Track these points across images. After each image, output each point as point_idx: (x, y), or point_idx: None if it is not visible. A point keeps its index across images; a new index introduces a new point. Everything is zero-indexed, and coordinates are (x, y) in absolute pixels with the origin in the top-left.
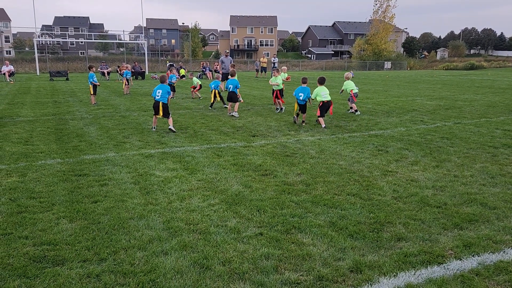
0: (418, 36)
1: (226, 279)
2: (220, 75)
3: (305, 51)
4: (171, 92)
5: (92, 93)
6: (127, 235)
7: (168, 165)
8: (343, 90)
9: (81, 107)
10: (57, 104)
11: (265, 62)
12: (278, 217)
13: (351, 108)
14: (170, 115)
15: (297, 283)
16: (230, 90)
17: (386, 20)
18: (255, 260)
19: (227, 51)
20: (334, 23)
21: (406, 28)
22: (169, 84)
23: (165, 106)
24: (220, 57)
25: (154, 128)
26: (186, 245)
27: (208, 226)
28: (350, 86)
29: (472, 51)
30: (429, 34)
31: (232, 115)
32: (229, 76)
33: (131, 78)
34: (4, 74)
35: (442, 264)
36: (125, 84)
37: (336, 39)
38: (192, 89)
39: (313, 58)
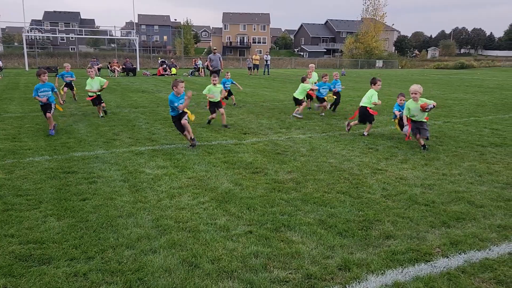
0: (409, 35)
1: (215, 277)
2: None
3: (297, 49)
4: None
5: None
6: (115, 233)
7: (158, 163)
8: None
9: (70, 104)
10: None
11: (257, 60)
12: (268, 215)
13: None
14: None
15: (285, 281)
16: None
17: (377, 19)
18: (244, 258)
19: (215, 48)
20: (327, 21)
21: (393, 24)
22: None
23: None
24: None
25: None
26: (175, 243)
27: (198, 224)
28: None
29: (462, 51)
30: (421, 33)
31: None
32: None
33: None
34: None
35: (429, 262)
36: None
37: (328, 37)
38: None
39: (306, 56)
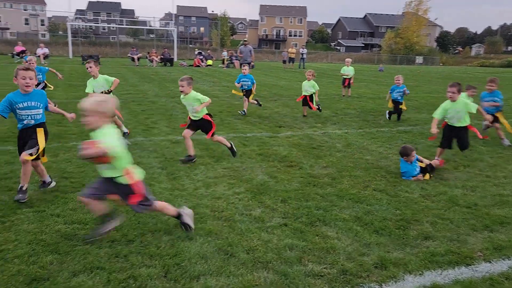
0: (452, 31)
1: (250, 267)
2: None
3: (334, 43)
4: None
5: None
6: (154, 218)
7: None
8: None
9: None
10: None
11: (293, 53)
12: (303, 209)
13: None
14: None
15: (320, 276)
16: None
17: (419, 13)
18: (279, 250)
19: (246, 39)
20: (366, 15)
21: (436, 19)
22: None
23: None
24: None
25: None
26: (211, 232)
27: (233, 214)
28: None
29: (510, 48)
30: (465, 29)
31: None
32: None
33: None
34: (39, 56)
35: (470, 265)
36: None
37: (366, 32)
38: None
39: (342, 50)
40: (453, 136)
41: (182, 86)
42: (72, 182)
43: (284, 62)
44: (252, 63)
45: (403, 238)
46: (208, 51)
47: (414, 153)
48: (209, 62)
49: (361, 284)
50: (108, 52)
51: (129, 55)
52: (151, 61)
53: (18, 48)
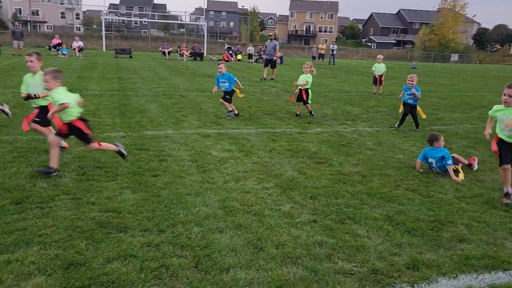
0: (491, 28)
1: (279, 262)
2: None
3: (365, 39)
4: None
5: None
6: (184, 210)
7: (224, 146)
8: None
9: (143, 84)
10: (121, 80)
11: (323, 49)
12: (332, 206)
13: None
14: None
15: (350, 274)
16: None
17: (456, 9)
18: (308, 247)
19: (271, 34)
20: (399, 10)
21: (474, 16)
22: None
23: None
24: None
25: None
26: (240, 225)
27: (262, 209)
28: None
29: None
30: (504, 26)
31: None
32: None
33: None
34: (74, 49)
35: (508, 271)
36: None
37: (399, 28)
38: None
39: (374, 47)
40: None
41: (47, 82)
42: (106, 171)
43: (313, 58)
44: (276, 58)
45: (436, 239)
46: (238, 46)
47: (443, 138)
48: (239, 57)
49: (392, 284)
50: (139, 46)
51: (160, 49)
52: (182, 55)
53: (55, 41)
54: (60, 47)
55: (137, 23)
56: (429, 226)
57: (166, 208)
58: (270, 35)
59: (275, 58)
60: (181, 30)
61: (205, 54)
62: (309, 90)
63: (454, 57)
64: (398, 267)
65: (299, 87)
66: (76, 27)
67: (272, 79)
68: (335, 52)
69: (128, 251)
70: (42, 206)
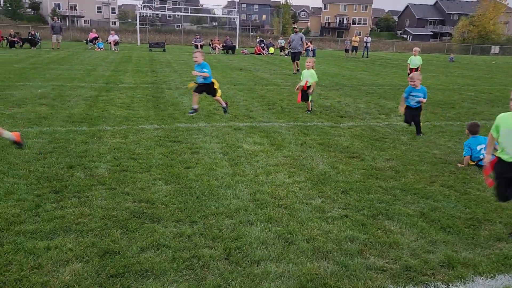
0: None
1: (310, 256)
2: None
3: (400, 31)
4: None
5: None
6: (216, 202)
7: (255, 139)
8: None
9: (176, 77)
10: (155, 73)
11: (357, 42)
12: (365, 201)
13: None
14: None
15: (382, 270)
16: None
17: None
18: (340, 241)
19: (296, 26)
20: (437, 1)
21: None
22: None
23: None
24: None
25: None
26: (271, 218)
27: (293, 202)
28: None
29: None
30: None
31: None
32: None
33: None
34: (110, 43)
35: None
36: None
37: (436, 19)
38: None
39: (409, 39)
40: None
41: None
42: (140, 163)
43: (346, 51)
44: (304, 51)
45: (473, 238)
46: (270, 39)
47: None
48: (271, 50)
49: (426, 282)
50: (173, 40)
51: (193, 42)
52: (214, 48)
53: (92, 35)
54: (97, 41)
55: (170, 17)
56: (465, 224)
57: (197, 199)
58: (294, 27)
59: (303, 51)
60: (214, 23)
61: (237, 47)
62: (310, 87)
63: (495, 49)
64: (432, 265)
65: (301, 85)
66: (112, 21)
67: (297, 70)
68: (368, 44)
69: (161, 241)
70: (79, 195)
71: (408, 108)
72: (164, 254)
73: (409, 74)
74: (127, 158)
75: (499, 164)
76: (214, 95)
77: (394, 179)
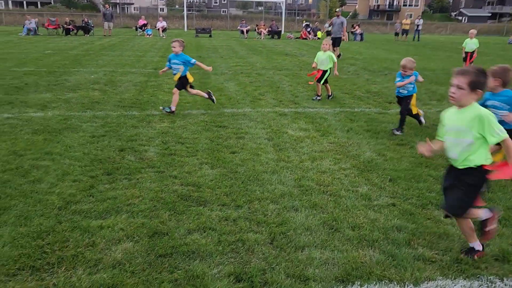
0: None
1: (355, 244)
2: None
3: (455, 13)
4: None
5: None
6: (261, 187)
7: (300, 125)
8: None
9: (222, 63)
10: (201, 59)
11: (407, 24)
12: (413, 190)
13: None
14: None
15: (431, 261)
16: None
17: None
18: (386, 230)
19: (337, 10)
20: None
21: None
22: None
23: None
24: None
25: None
26: (316, 205)
27: (339, 190)
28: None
29: None
30: None
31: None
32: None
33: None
34: (158, 29)
35: None
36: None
37: None
38: None
39: (465, 20)
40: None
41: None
42: (187, 147)
43: (396, 34)
44: (344, 38)
45: None
46: (316, 23)
47: None
48: (319, 34)
49: (478, 276)
50: (219, 25)
51: (238, 27)
52: (259, 33)
53: (141, 22)
54: (146, 27)
55: (216, 2)
56: None
57: (243, 184)
58: (336, 11)
59: (344, 37)
60: (260, 8)
61: (282, 32)
62: (329, 70)
63: None
64: (486, 258)
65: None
66: (160, 8)
67: (338, 56)
68: (420, 27)
69: (207, 224)
70: (130, 177)
71: (398, 98)
72: (210, 237)
73: (464, 58)
74: (174, 142)
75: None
76: (180, 89)
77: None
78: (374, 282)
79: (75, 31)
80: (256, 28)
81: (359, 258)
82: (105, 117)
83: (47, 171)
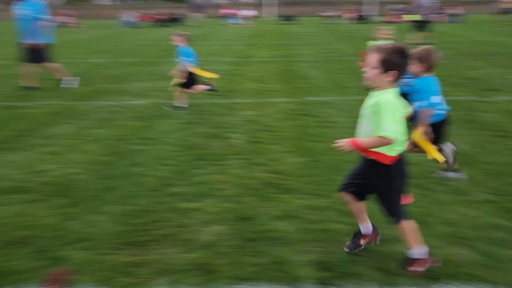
0: None
1: (448, 241)
2: None
3: None
4: None
5: None
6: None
7: None
8: None
9: (307, 50)
10: (286, 46)
11: (511, 2)
12: None
13: None
14: None
15: None
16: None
17: None
18: (483, 229)
19: None
20: None
21: None
22: None
23: None
24: None
25: None
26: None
27: (429, 183)
28: None
29: None
30: None
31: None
32: None
33: None
34: (245, 18)
35: None
36: None
37: None
38: None
39: None
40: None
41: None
42: (272, 135)
43: (499, 13)
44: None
45: None
46: (403, 5)
47: None
48: (413, 17)
49: None
50: (305, 12)
51: (323, 14)
52: (345, 19)
53: (228, 11)
54: (233, 16)
55: None
56: None
57: (327, 174)
58: None
59: (433, 18)
60: None
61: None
62: None
63: None
64: None
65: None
66: None
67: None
68: None
69: (291, 211)
70: (218, 163)
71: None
72: (293, 225)
73: None
74: (259, 130)
75: None
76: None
77: None
78: (465, 281)
79: (169, 22)
80: (342, 13)
81: (452, 256)
82: (193, 105)
83: (144, 155)
